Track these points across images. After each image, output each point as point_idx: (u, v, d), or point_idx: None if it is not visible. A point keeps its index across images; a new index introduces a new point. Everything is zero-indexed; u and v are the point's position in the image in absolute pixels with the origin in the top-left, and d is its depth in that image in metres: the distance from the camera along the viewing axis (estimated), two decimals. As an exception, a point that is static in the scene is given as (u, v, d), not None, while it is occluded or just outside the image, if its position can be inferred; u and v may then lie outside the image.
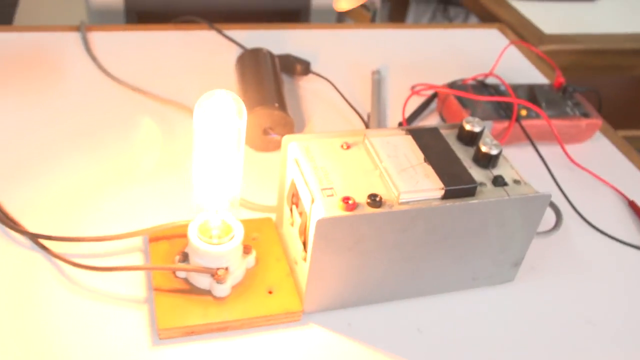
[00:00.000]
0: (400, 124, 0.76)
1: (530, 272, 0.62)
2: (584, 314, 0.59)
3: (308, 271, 0.51)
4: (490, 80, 0.82)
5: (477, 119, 0.58)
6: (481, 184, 0.53)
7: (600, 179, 0.74)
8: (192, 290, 0.53)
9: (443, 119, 0.80)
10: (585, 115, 0.79)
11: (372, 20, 1.20)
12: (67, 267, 0.55)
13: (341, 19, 1.23)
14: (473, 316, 0.57)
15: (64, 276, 0.55)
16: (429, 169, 0.53)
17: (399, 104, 0.81)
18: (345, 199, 0.49)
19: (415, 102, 0.81)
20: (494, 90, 0.79)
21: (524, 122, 0.75)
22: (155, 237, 0.57)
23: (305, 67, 0.83)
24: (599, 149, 0.81)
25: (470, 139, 0.57)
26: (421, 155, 0.54)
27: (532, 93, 0.80)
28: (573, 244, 0.66)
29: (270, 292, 0.54)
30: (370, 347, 0.53)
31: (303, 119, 0.77)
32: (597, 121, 0.79)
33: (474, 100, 0.77)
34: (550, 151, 0.77)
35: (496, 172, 0.55)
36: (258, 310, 0.53)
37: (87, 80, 0.79)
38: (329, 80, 0.82)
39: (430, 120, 0.80)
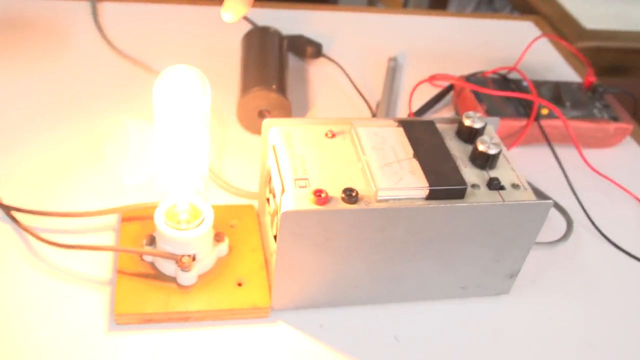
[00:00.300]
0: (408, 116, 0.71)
1: (530, 285, 0.56)
2: (584, 337, 0.53)
3: (275, 266, 0.47)
4: (515, 75, 0.77)
5: (478, 115, 0.53)
6: (474, 185, 0.48)
7: (623, 189, 0.68)
8: (157, 275, 0.51)
9: (458, 113, 0.75)
10: (615, 118, 0.73)
11: (405, 5, 1.15)
12: (35, 241, 0.53)
13: (372, 1, 1.19)
14: (458, 328, 0.52)
15: (30, 251, 0.52)
16: (416, 165, 0.48)
17: (408, 92, 0.76)
18: (317, 192, 0.45)
19: (431, 94, 0.76)
20: (515, 85, 0.74)
21: (545, 122, 0.69)
22: (127, 217, 0.54)
23: (316, 50, 0.79)
24: (627, 156, 0.75)
25: (469, 135, 0.52)
26: (410, 150, 0.49)
27: (557, 91, 0.74)
28: (583, 257, 0.60)
29: (239, 285, 0.51)
30: (342, 352, 0.49)
31: (307, 103, 0.74)
32: (628, 126, 0.73)
33: (491, 95, 0.71)
34: (573, 155, 0.70)
35: (494, 173, 0.50)
36: (223, 303, 0.49)
37: (90, 50, 0.77)
38: (339, 65, 0.78)
39: (444, 114, 0.75)
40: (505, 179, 0.49)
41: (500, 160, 0.51)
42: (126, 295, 0.49)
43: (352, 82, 0.76)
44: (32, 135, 0.64)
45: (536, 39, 0.81)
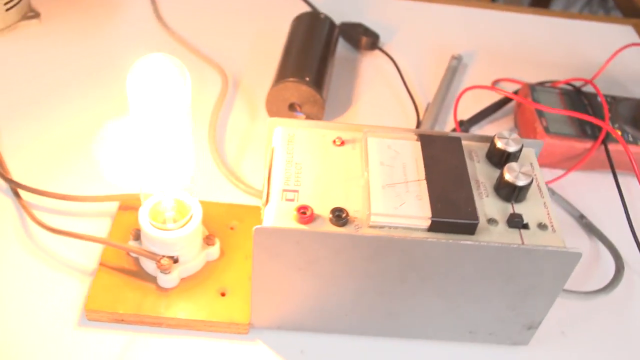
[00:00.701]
0: (454, 129, 0.63)
1: (558, 337, 0.48)
2: (615, 407, 0.45)
3: (252, 283, 0.42)
4: (591, 87, 0.66)
5: (514, 135, 0.44)
6: (491, 220, 0.41)
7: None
8: (138, 273, 0.47)
9: (517, 125, 0.66)
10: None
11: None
12: (29, 221, 0.51)
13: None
14: (460, 377, 0.45)
15: (24, 229, 0.50)
16: (425, 189, 0.41)
17: (470, 97, 0.68)
18: (302, 209, 0.39)
19: (494, 100, 0.68)
20: (588, 101, 0.64)
21: (615, 147, 0.59)
22: (125, 206, 0.51)
23: (372, 41, 0.73)
24: None
25: (500, 159, 0.44)
26: (423, 171, 0.43)
27: (638, 110, 0.63)
28: (632, 309, 0.51)
29: (222, 294, 0.46)
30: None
31: (350, 99, 0.67)
32: None
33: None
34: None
35: (520, 208, 0.42)
36: (200, 313, 0.45)
37: (137, 23, 0.74)
38: (392, 60, 0.71)
39: (501, 126, 0.67)
40: (531, 216, 0.41)
41: (532, 193, 0.43)
42: (101, 291, 0.46)
43: (403, 80, 0.68)
44: (59, 105, 0.62)
45: (626, 46, 0.70)
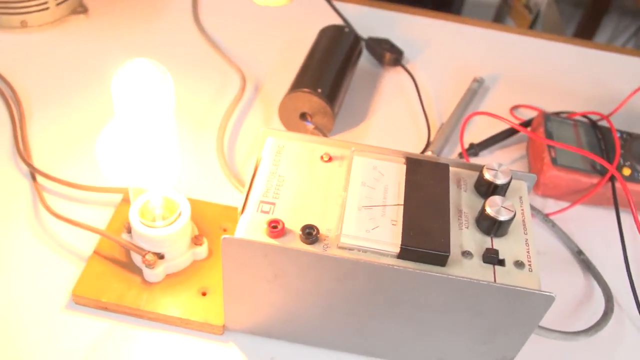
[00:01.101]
0: (460, 155, 0.58)
1: (535, 374, 0.44)
2: None
3: (223, 289, 0.40)
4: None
5: (504, 167, 0.40)
6: (466, 253, 0.37)
7: None
8: (128, 265, 0.46)
9: (528, 154, 0.61)
10: None
11: (532, 24, 0.98)
12: (40, 204, 0.50)
13: (500, 17, 1.03)
14: (426, 404, 0.42)
15: (34, 210, 0.50)
16: (401, 214, 0.38)
17: (484, 120, 0.63)
18: (273, 223, 0.37)
19: (507, 125, 0.63)
20: (602, 136, 0.58)
21: (626, 185, 0.54)
22: (127, 199, 0.50)
23: (395, 58, 0.69)
24: None
25: (487, 190, 0.40)
26: (403, 195, 0.39)
27: (655, 150, 0.57)
28: (616, 354, 0.46)
29: (203, 294, 0.44)
30: (289, 393, 0.41)
31: (365, 113, 0.64)
32: None
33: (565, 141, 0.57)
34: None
35: (500, 243, 0.38)
36: (178, 310, 0.43)
37: (176, 23, 0.72)
38: (413, 77, 0.67)
39: (513, 153, 0.62)
40: (510, 253, 0.37)
41: (514, 228, 0.39)
42: (90, 278, 0.44)
43: (420, 98, 0.64)
44: (91, 97, 0.61)
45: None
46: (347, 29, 0.65)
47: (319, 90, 0.56)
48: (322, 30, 0.66)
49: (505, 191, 0.41)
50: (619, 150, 0.54)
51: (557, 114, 0.62)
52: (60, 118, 0.58)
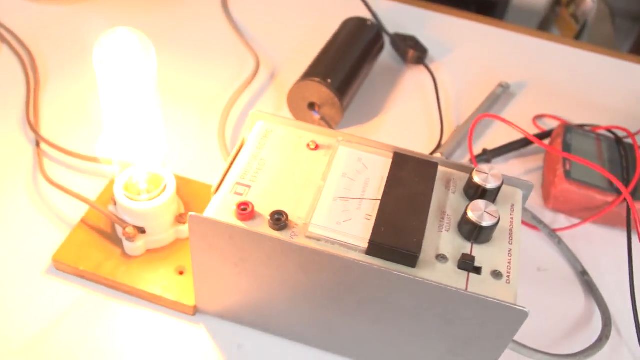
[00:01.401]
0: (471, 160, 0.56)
1: (514, 395, 0.41)
2: None
3: (192, 269, 0.39)
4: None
5: (494, 170, 0.38)
6: (441, 257, 0.35)
7: None
8: (111, 237, 0.45)
9: (544, 165, 0.58)
10: None
11: (579, 35, 0.93)
12: (38, 169, 0.51)
13: (546, 25, 0.99)
14: (392, 411, 0.40)
15: (32, 175, 0.50)
16: (376, 209, 0.36)
17: (504, 126, 0.60)
18: (242, 205, 0.36)
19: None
20: (625, 152, 0.54)
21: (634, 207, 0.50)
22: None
23: (418, 56, 0.67)
24: None
25: (475, 194, 0.38)
26: (382, 190, 0.37)
27: (682, 172, 0.53)
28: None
29: (181, 273, 0.44)
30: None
31: (378, 110, 0.62)
32: None
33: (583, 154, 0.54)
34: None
35: (481, 250, 0.36)
36: (152, 286, 0.43)
37: (204, 4, 0.73)
38: (433, 77, 0.64)
39: (529, 162, 0.59)
40: (489, 262, 0.35)
41: (499, 236, 0.37)
42: (72, 245, 0.44)
43: (438, 99, 0.62)
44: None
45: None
46: (369, 22, 0.64)
47: (329, 81, 0.55)
48: (344, 21, 0.65)
49: (495, 196, 0.38)
50: (639, 171, 0.51)
51: (581, 126, 0.58)
52: (73, 89, 0.59)
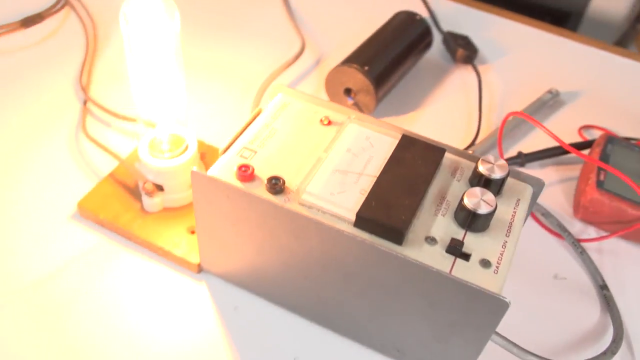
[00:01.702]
0: (508, 159, 0.54)
1: (503, 397, 0.40)
2: None
3: (196, 226, 0.41)
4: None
5: (501, 162, 0.37)
6: (430, 239, 0.35)
7: None
8: (133, 192, 0.48)
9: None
10: None
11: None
12: (80, 124, 0.55)
13: (625, 42, 0.94)
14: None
15: (75, 130, 0.54)
16: (372, 185, 0.36)
17: (547, 137, 0.58)
18: (243, 167, 0.37)
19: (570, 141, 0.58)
20: (669, 168, 0.51)
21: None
22: (156, 133, 0.53)
23: (467, 55, 0.66)
24: None
25: (478, 183, 0.38)
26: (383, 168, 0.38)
27: None
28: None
29: (192, 232, 0.46)
30: (233, 345, 0.41)
31: (417, 104, 0.62)
32: None
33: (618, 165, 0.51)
34: None
35: (474, 238, 0.35)
36: (162, 241, 0.45)
37: (266, 11, 0.76)
38: (479, 77, 0.63)
39: (567, 171, 0.57)
40: (480, 250, 0.35)
41: (496, 227, 0.36)
42: (97, 195, 0.48)
43: (480, 99, 0.61)
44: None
45: None
46: (418, 17, 0.64)
47: (366, 68, 0.56)
48: (395, 14, 0.65)
49: (500, 187, 0.38)
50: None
51: (627, 139, 0.56)
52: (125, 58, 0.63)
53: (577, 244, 0.49)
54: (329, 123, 0.42)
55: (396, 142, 0.40)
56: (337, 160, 0.38)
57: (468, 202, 0.35)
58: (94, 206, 0.47)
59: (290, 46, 0.67)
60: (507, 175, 0.37)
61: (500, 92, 0.65)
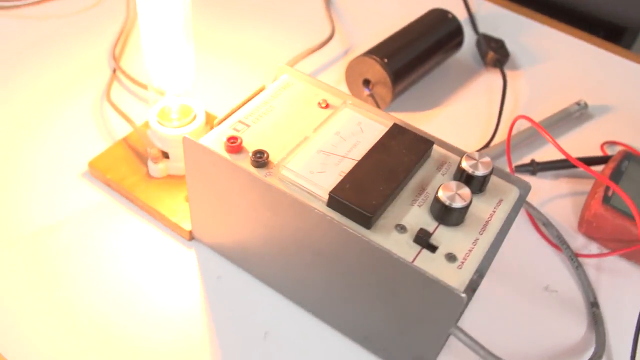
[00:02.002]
0: (516, 168, 0.53)
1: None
2: None
3: (187, 192, 0.43)
4: None
5: (485, 157, 0.37)
6: (400, 227, 0.35)
7: None
8: (142, 157, 0.51)
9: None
10: None
11: None
12: (106, 90, 0.58)
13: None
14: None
15: (102, 95, 0.58)
16: (351, 168, 0.37)
17: (571, 148, 0.57)
18: (232, 139, 0.39)
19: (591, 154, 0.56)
20: (685, 192, 0.49)
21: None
22: (174, 105, 0.55)
23: (497, 59, 0.65)
24: None
25: (460, 179, 0.38)
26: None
27: None
28: None
29: (187, 200, 0.48)
30: (211, 314, 0.43)
31: (437, 102, 0.62)
32: None
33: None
34: None
35: (444, 231, 0.36)
36: (160, 206, 0.47)
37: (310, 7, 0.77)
38: (505, 82, 0.63)
39: (582, 184, 0.55)
40: (448, 243, 0.35)
41: (471, 224, 0.36)
42: (108, 156, 0.50)
43: (502, 103, 0.60)
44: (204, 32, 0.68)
45: None
46: (450, 15, 0.64)
47: (385, 61, 0.56)
48: (429, 11, 0.65)
49: (482, 185, 0.38)
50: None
51: (647, 157, 0.54)
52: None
53: (574, 258, 0.48)
54: (327, 106, 0.43)
55: (383, 128, 0.40)
56: (323, 141, 0.39)
57: (442, 195, 0.35)
58: (104, 166, 0.50)
59: (321, 34, 0.68)
60: (490, 173, 0.37)
61: (525, 99, 0.64)
